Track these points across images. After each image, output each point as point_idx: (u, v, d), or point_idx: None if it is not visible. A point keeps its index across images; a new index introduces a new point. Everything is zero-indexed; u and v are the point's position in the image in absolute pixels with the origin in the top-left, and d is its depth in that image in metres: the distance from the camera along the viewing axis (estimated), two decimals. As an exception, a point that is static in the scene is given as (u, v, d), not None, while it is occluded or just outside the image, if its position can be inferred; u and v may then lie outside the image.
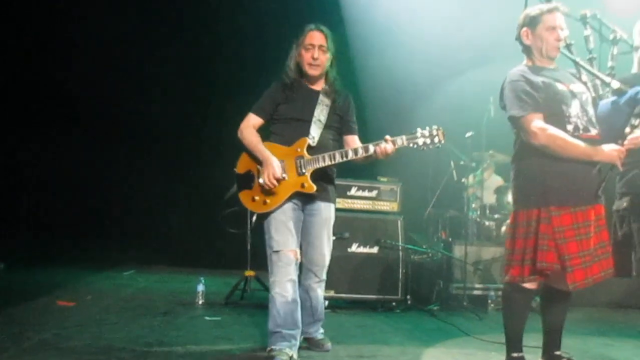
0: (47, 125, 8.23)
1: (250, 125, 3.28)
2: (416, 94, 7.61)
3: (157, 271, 7.42)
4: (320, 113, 3.26)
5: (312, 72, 3.27)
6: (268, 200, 3.16)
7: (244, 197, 3.24)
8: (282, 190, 3.15)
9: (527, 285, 2.86)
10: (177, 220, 8.52)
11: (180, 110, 8.56)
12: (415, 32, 7.31)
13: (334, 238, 4.77)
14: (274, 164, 3.12)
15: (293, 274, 3.13)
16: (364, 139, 3.38)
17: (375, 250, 5.11)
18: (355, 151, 3.16)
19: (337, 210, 5.04)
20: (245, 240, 5.40)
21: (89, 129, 8.43)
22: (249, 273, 5.29)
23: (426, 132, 3.12)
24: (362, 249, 5.08)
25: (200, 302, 5.01)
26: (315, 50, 3.23)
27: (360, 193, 5.22)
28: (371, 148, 3.13)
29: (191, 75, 8.44)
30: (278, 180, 3.12)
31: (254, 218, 3.28)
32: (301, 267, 3.34)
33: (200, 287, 5.06)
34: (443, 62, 7.39)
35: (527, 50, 2.99)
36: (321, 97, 3.30)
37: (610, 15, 3.47)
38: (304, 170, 3.17)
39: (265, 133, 3.34)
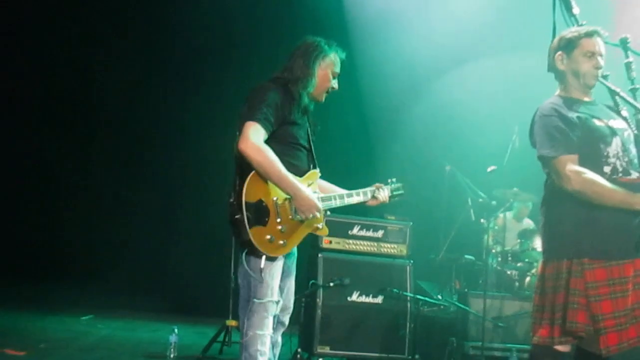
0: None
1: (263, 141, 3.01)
2: (427, 125, 7.72)
3: (120, 316, 7.38)
4: (312, 143, 3.28)
5: (322, 99, 3.30)
6: (287, 242, 3.03)
7: (256, 235, 2.93)
8: (299, 231, 3.08)
9: (559, 347, 2.89)
10: (144, 256, 8.49)
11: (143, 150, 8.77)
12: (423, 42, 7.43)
13: (331, 284, 4.85)
14: (313, 196, 3.04)
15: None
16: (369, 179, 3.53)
17: (379, 300, 5.14)
18: (362, 194, 3.32)
19: (336, 252, 5.17)
20: (227, 282, 5.41)
21: (45, 161, 8.57)
22: (231, 323, 5.29)
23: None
24: (363, 298, 5.12)
25: (172, 355, 5.01)
26: (336, 81, 3.29)
27: (363, 233, 5.26)
28: (369, 193, 3.34)
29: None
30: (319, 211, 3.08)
31: (243, 255, 2.94)
32: None
33: (173, 338, 5.07)
34: (458, 84, 7.49)
35: (560, 77, 3.09)
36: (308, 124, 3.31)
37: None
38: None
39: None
